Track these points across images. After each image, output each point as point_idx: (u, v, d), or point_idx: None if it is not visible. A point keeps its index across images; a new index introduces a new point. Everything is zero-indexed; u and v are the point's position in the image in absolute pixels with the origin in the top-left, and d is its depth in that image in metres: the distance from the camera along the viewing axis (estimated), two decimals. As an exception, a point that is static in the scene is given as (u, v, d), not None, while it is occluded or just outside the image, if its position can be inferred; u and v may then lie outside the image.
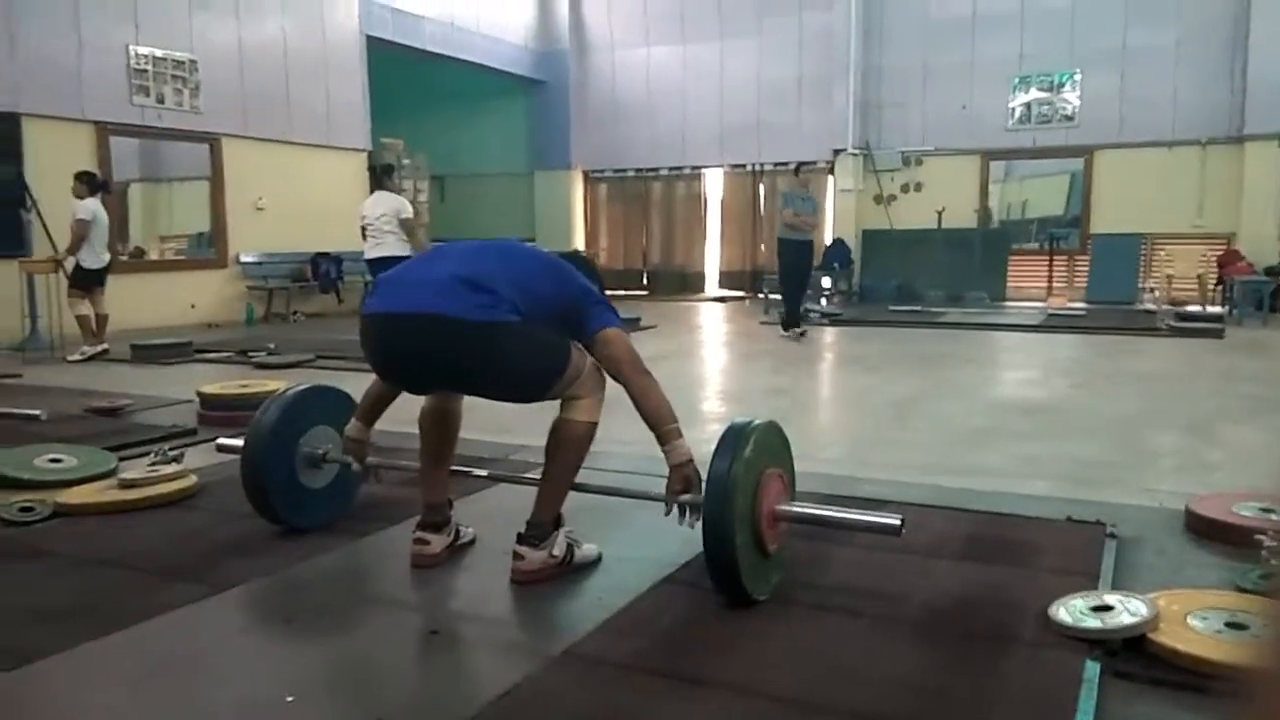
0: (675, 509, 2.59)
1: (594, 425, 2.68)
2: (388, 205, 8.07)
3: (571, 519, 2.79)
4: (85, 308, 7.96)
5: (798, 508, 2.66)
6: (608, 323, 2.64)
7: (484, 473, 3.10)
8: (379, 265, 7.95)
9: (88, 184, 7.92)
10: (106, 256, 8.06)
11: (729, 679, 2.10)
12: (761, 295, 12.65)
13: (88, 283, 7.96)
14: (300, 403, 3.17)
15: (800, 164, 9.97)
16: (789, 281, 9.28)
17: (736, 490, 2.39)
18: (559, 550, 2.69)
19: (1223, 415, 5.31)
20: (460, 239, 2.82)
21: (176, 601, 2.54)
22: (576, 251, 2.81)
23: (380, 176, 8.49)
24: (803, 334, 9.15)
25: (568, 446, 2.66)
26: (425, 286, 2.51)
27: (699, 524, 2.46)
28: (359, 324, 2.64)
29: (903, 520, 2.51)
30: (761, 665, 2.17)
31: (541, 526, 2.68)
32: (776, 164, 14.82)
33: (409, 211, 8.17)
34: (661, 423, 2.59)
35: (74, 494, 3.50)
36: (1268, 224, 11.83)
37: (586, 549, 2.80)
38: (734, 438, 2.49)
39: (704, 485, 2.46)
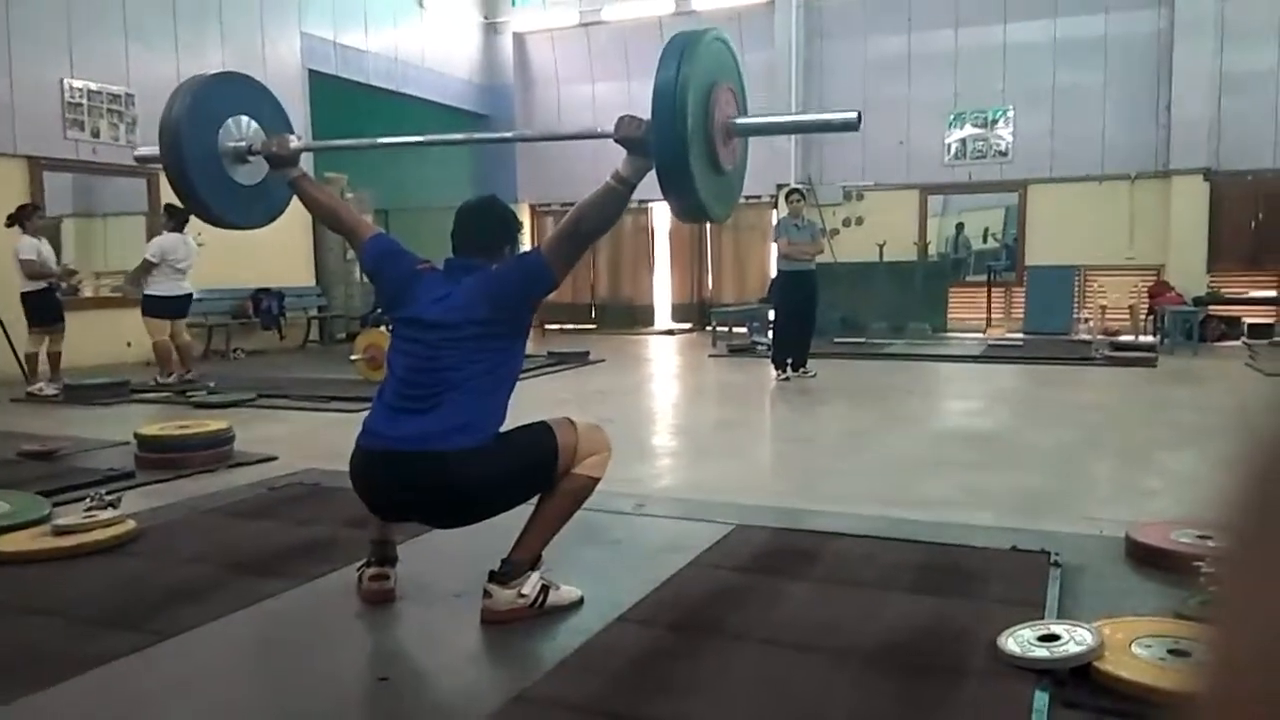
0: None
1: (595, 481, 2.67)
2: (189, 247, 8.28)
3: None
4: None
5: (751, 119, 2.62)
6: (534, 253, 2.71)
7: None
8: (187, 302, 8.42)
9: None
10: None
11: (684, 718, 2.09)
12: (709, 328, 12.73)
13: None
14: (212, 88, 3.08)
15: (792, 190, 8.84)
16: (784, 315, 8.47)
17: (688, 100, 2.31)
18: (529, 590, 2.62)
19: (1159, 443, 5.46)
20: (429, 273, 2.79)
21: (116, 651, 2.46)
22: (490, 205, 2.86)
23: (178, 218, 8.15)
24: (813, 375, 8.27)
25: (563, 496, 2.63)
26: (410, 438, 2.52)
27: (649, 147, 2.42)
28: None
29: (859, 114, 2.48)
30: (716, 703, 2.16)
31: (516, 565, 2.62)
32: (721, 198, 14.97)
33: None
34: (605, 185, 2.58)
35: (5, 541, 3.38)
36: (1195, 256, 12.25)
37: (565, 591, 2.73)
38: (679, 48, 2.37)
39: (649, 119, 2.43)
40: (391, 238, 2.94)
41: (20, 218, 7.69)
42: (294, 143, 3.08)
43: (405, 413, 2.56)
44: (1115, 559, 3.14)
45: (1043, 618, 2.52)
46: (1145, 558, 3.08)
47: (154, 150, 3.05)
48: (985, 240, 13.95)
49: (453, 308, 2.61)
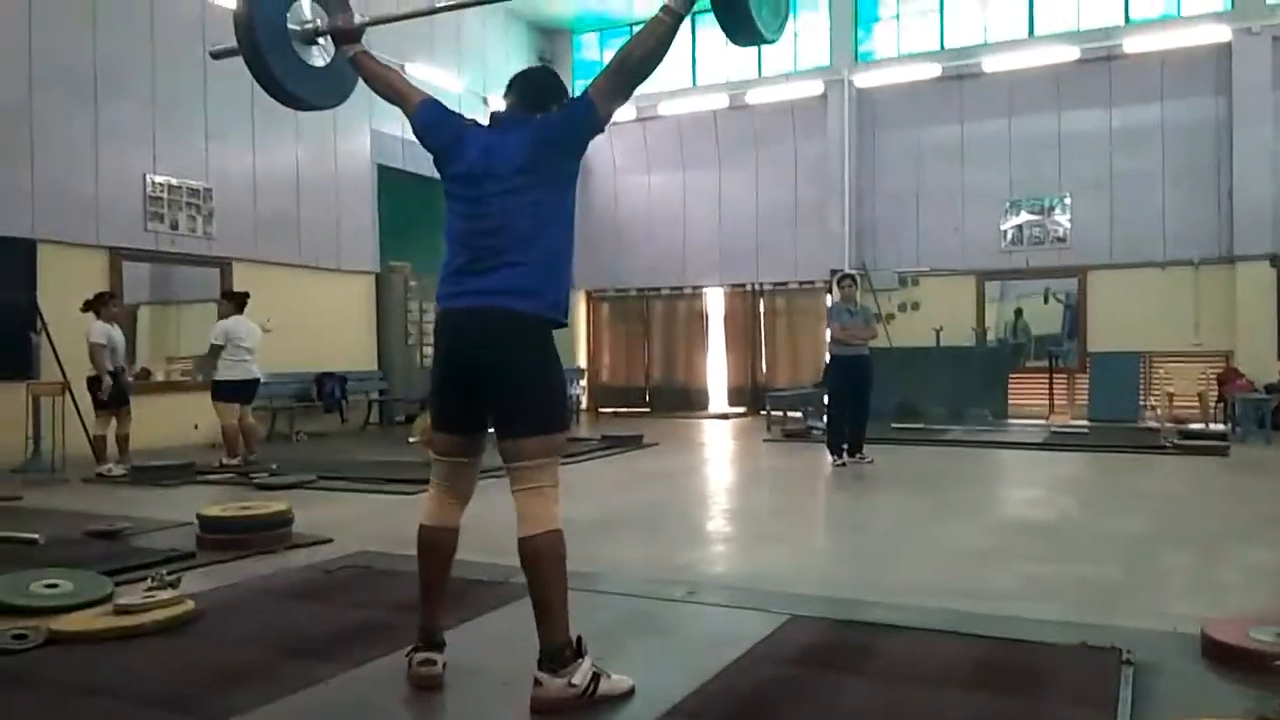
0: None
1: (557, 533, 2.63)
2: (250, 327, 8.58)
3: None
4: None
5: None
6: (580, 94, 2.76)
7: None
8: (255, 386, 8.65)
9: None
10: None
11: (738, 817, 2.02)
12: (764, 412, 12.68)
13: None
14: None
15: (844, 275, 8.86)
16: (839, 400, 8.45)
17: None
18: (579, 679, 2.58)
19: (1233, 535, 5.25)
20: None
21: (169, 735, 2.48)
22: (541, 67, 3.11)
23: (236, 300, 8.68)
24: (870, 461, 8.24)
25: (540, 563, 2.60)
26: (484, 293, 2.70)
27: None
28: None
29: None
30: (771, 802, 2.09)
31: (557, 652, 2.58)
32: (775, 284, 15.10)
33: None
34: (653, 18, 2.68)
35: (69, 621, 3.44)
36: (1264, 342, 11.95)
37: (616, 680, 2.68)
38: None
39: None
40: (441, 103, 3.08)
41: (96, 305, 8.03)
42: (357, 18, 3.28)
43: (470, 274, 2.73)
44: (1191, 658, 3.01)
45: None
46: (1222, 656, 2.94)
47: (230, 45, 3.25)
48: (1046, 301, 13.76)
49: (500, 159, 2.74)
